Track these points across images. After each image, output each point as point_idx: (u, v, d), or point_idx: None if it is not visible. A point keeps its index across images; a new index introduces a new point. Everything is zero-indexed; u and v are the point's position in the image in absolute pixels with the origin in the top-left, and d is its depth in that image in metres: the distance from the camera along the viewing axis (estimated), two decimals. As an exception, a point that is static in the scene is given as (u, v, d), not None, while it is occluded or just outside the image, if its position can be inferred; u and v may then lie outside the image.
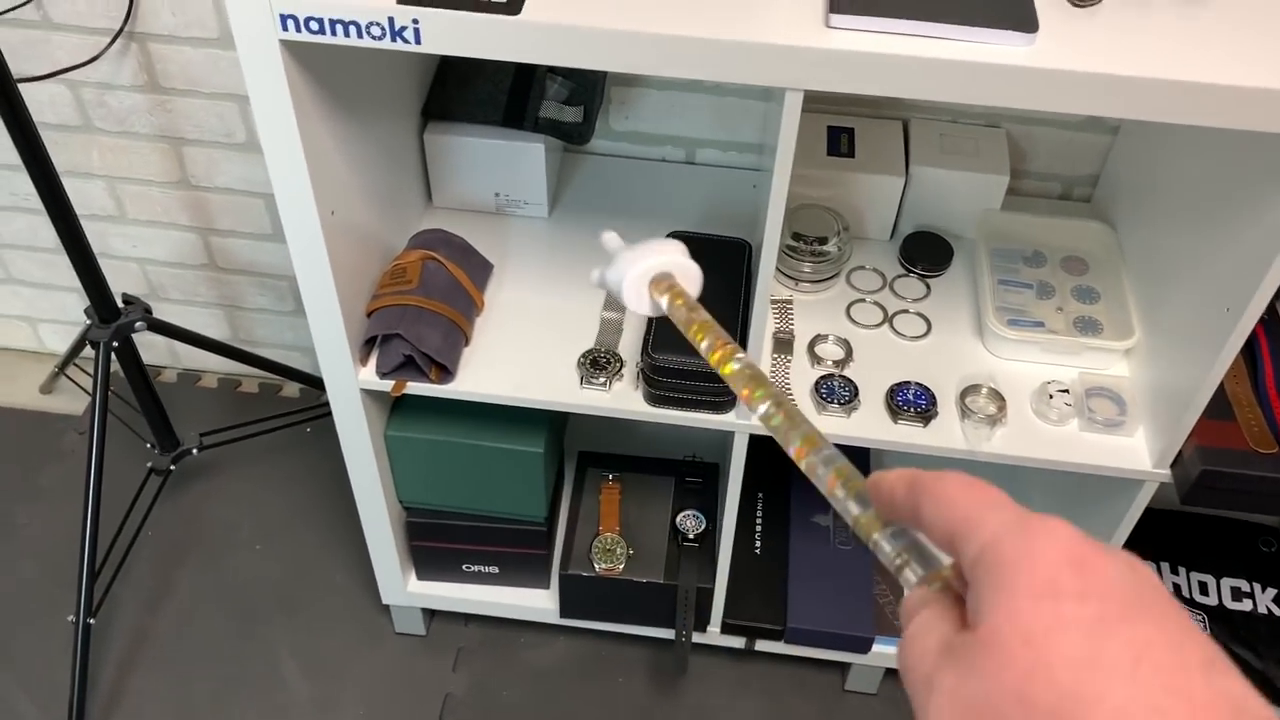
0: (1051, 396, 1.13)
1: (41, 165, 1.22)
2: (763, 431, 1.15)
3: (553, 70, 1.28)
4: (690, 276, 0.60)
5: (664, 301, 0.59)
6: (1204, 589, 1.46)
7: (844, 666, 1.49)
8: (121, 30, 1.37)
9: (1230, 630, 1.42)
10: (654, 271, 0.59)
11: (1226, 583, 1.47)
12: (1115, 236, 1.26)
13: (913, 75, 0.80)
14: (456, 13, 0.81)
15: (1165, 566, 1.48)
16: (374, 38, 0.83)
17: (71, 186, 1.56)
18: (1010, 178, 1.28)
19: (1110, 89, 0.79)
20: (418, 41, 0.83)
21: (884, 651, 1.40)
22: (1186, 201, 1.08)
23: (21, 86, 1.21)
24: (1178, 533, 1.50)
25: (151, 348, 1.80)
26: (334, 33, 0.84)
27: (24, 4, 1.36)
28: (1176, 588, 1.46)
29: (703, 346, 0.54)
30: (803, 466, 0.45)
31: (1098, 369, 1.17)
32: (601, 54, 0.82)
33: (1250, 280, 0.90)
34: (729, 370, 0.52)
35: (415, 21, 0.82)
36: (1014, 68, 0.79)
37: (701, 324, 0.55)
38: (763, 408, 0.49)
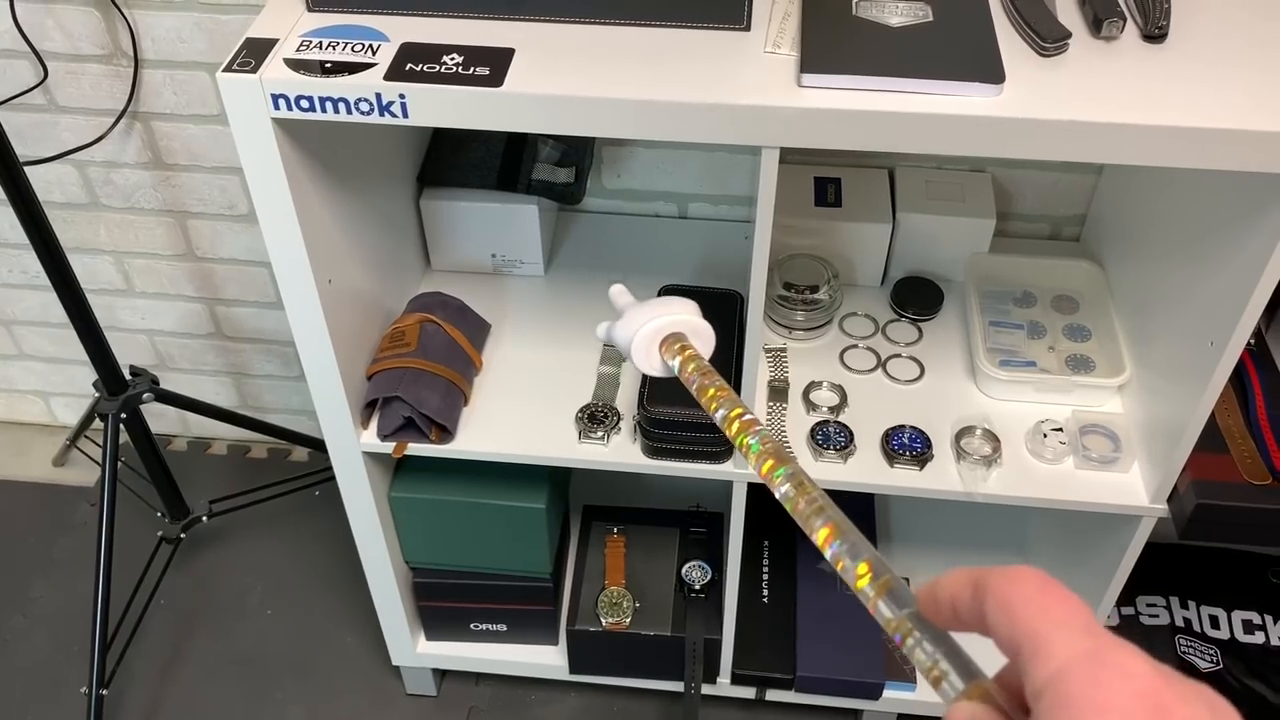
0: (1046, 435, 1.14)
1: (48, 244, 1.25)
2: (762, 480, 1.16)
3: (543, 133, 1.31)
4: (703, 336, 0.57)
5: (675, 364, 0.56)
6: (1215, 623, 1.45)
7: (856, 713, 1.48)
8: (125, 110, 1.42)
9: (1244, 665, 1.41)
10: (665, 331, 0.56)
11: (1238, 616, 1.46)
12: (1104, 274, 1.28)
13: (883, 129, 0.82)
14: (441, 86, 0.84)
15: (1175, 601, 1.48)
16: (363, 113, 0.86)
17: (80, 262, 1.60)
18: (997, 220, 1.30)
19: (1078, 135, 0.81)
20: (405, 115, 0.86)
21: (895, 697, 1.39)
22: (1169, 238, 1.09)
23: (30, 168, 1.25)
24: (1186, 566, 1.50)
25: (162, 417, 1.83)
26: (324, 110, 0.87)
27: (31, 89, 1.41)
28: (1187, 622, 1.45)
29: (718, 416, 0.51)
30: (827, 555, 0.42)
31: (1091, 406, 1.18)
32: (582, 121, 0.85)
33: (1230, 314, 0.92)
34: (746, 443, 0.49)
35: (402, 96, 0.85)
36: (982, 118, 0.81)
37: (716, 390, 0.52)
38: (783, 489, 0.45)
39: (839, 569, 0.41)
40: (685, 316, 0.56)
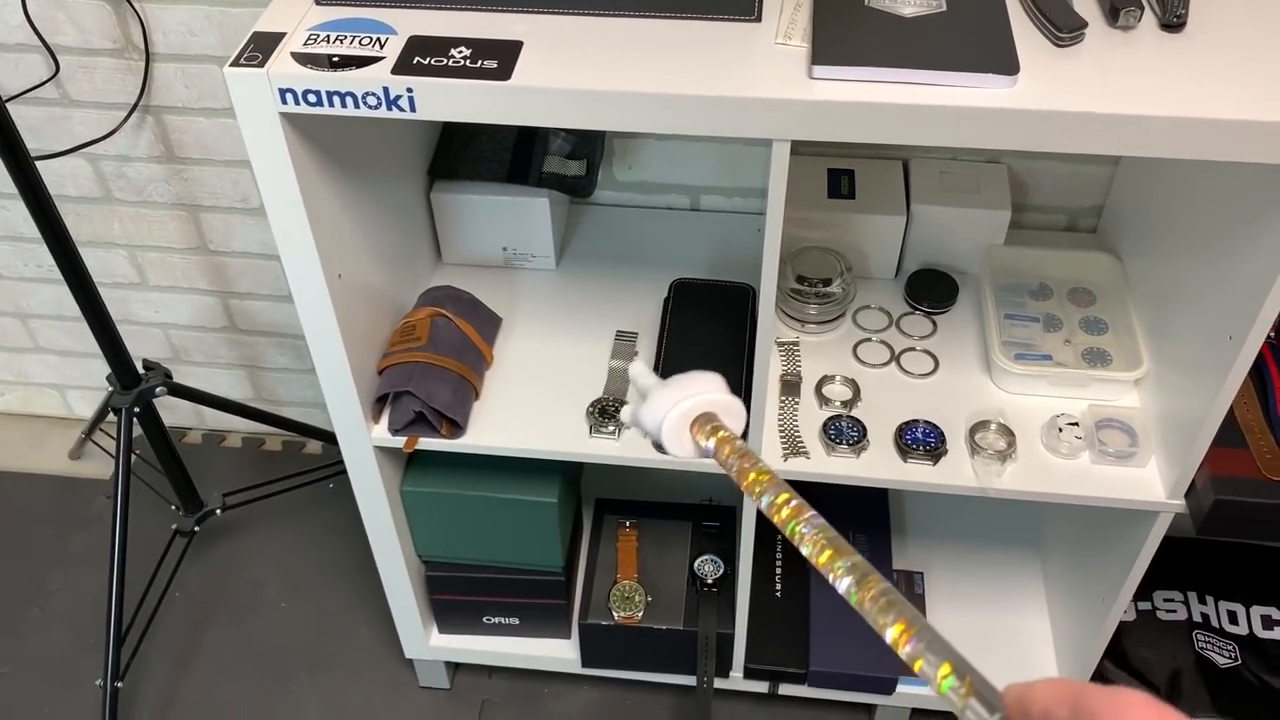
0: (1061, 430, 1.13)
1: (60, 239, 1.26)
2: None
3: (554, 126, 1.31)
4: (733, 413, 0.55)
5: (710, 445, 0.53)
6: (1234, 618, 1.44)
7: (870, 708, 1.47)
8: (137, 104, 1.42)
9: (1264, 661, 1.40)
10: (695, 413, 0.54)
11: (1256, 611, 1.44)
12: (1121, 266, 1.26)
13: (896, 122, 0.81)
14: (449, 80, 0.84)
15: (1193, 596, 1.46)
16: (370, 107, 0.86)
17: (94, 256, 1.61)
18: (1013, 212, 1.29)
19: (1094, 127, 0.80)
20: (413, 110, 0.85)
21: (908, 692, 1.39)
22: (1188, 230, 1.08)
23: (43, 162, 1.25)
24: (1204, 561, 1.49)
25: (177, 410, 1.83)
26: (331, 104, 0.86)
27: (43, 83, 1.41)
28: (1206, 618, 1.44)
29: (763, 503, 0.48)
30: (902, 655, 0.40)
31: (1107, 400, 1.16)
32: (591, 114, 0.84)
33: (1250, 308, 0.90)
34: (798, 532, 0.46)
35: (410, 90, 0.84)
36: (996, 110, 0.80)
37: (758, 474, 0.50)
38: (845, 582, 0.43)
39: (920, 671, 0.39)
40: (714, 395, 0.54)
